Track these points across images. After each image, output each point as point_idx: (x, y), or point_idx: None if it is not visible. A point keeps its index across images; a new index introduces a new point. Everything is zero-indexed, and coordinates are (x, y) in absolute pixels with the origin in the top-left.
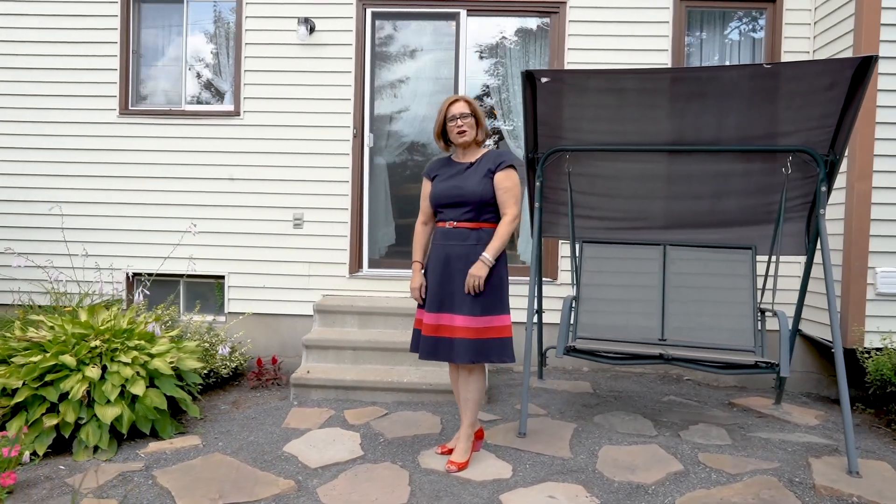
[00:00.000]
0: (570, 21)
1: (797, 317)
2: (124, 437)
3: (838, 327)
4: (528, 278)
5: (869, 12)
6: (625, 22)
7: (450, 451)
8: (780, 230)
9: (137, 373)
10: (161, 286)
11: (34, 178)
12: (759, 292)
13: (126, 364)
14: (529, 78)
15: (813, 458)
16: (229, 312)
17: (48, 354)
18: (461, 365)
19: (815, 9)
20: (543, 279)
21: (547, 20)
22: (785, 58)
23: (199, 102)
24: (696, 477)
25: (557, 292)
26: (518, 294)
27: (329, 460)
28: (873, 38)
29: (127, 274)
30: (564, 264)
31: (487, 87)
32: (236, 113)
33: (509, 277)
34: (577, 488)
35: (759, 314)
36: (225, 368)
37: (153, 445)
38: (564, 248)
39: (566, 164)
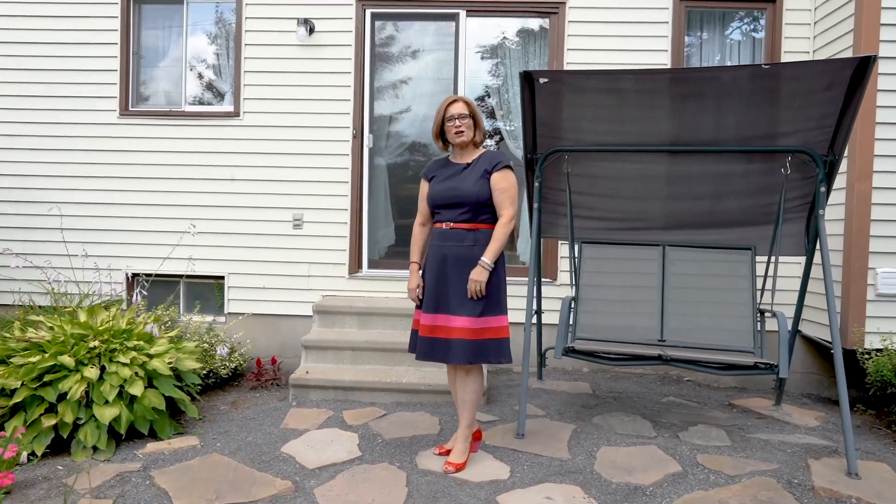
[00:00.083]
0: (569, 21)
1: (797, 318)
2: (122, 437)
3: (837, 328)
4: (527, 279)
5: (869, 12)
6: (624, 22)
7: (448, 452)
8: (779, 231)
9: (136, 373)
10: (161, 287)
11: (34, 178)
12: (758, 293)
13: (125, 364)
14: (528, 78)
15: (812, 460)
16: (229, 313)
17: (47, 355)
18: (458, 366)
19: (815, 9)
20: (543, 280)
21: (546, 20)
22: (785, 58)
23: (199, 103)
24: (695, 478)
25: (557, 293)
26: (518, 294)
27: (327, 461)
28: (873, 38)
29: (126, 274)
30: (564, 265)
31: (487, 87)
32: (236, 114)
33: (509, 278)
34: (574, 489)
35: (758, 315)
36: (224, 369)
37: (151, 446)
38: (564, 249)
39: (565, 165)
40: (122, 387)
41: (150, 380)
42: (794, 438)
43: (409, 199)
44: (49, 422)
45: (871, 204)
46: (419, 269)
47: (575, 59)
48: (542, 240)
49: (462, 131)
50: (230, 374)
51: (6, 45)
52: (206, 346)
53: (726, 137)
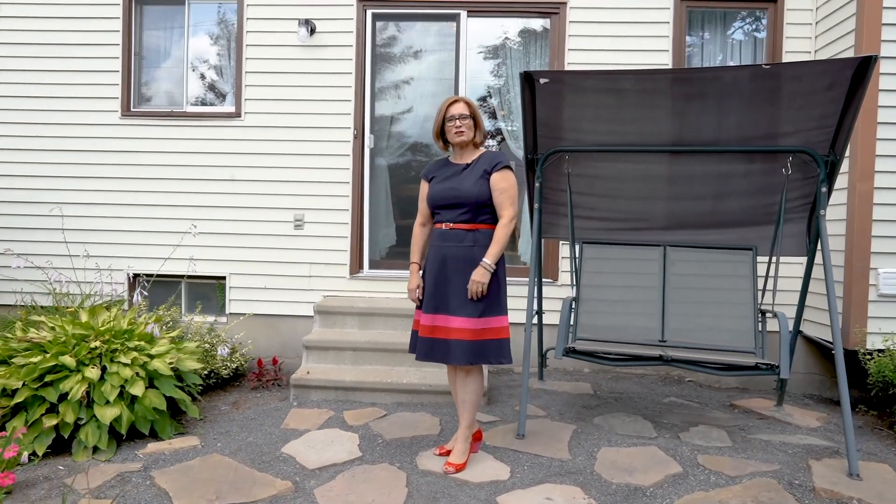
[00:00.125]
0: (570, 22)
1: (798, 318)
2: (123, 437)
3: (839, 328)
4: (528, 279)
5: (870, 12)
6: (625, 22)
7: (448, 453)
8: (780, 231)
9: (137, 373)
10: (163, 287)
11: (36, 178)
12: (759, 293)
13: (125, 365)
14: (528, 79)
15: (813, 461)
16: (231, 313)
17: (48, 355)
18: (458, 366)
19: (817, 9)
20: (544, 280)
21: (547, 21)
22: (786, 58)
23: (200, 104)
24: (695, 479)
25: (558, 293)
26: (519, 295)
27: (327, 461)
28: (874, 38)
29: (128, 275)
30: (565, 265)
31: (488, 87)
32: (237, 114)
33: (510, 278)
34: (574, 490)
35: (759, 315)
36: (225, 369)
37: (152, 446)
38: (565, 249)
39: (566, 165)
40: (123, 387)
41: (151, 380)
42: (795, 439)
43: (410, 199)
44: (50, 422)
45: (873, 204)
46: (419, 269)
47: (576, 59)
48: (542, 240)
49: (462, 131)
50: (231, 374)
51: (7, 47)
52: (207, 346)
53: (727, 137)
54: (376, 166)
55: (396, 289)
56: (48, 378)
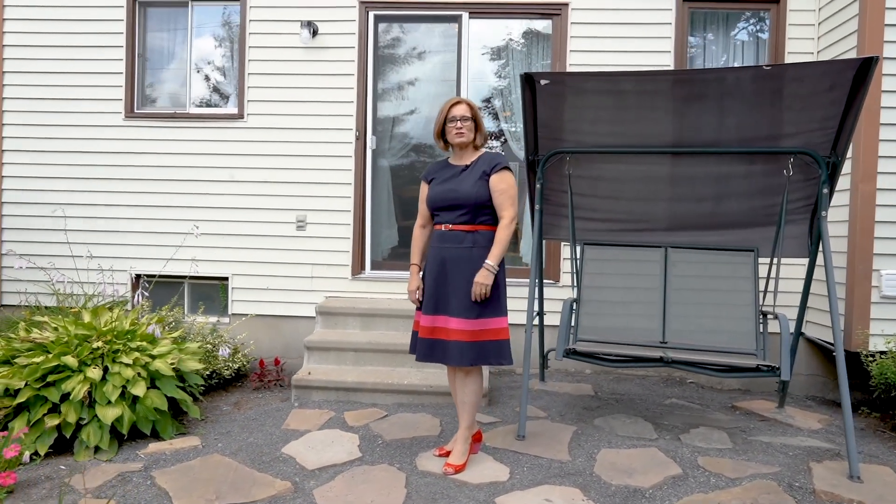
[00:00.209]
0: (572, 23)
1: (800, 320)
2: (125, 437)
3: (840, 330)
4: (529, 280)
5: (873, 12)
6: (627, 24)
7: (448, 454)
8: (781, 232)
9: (139, 374)
10: (167, 288)
11: (40, 180)
12: (761, 295)
13: (127, 365)
14: (529, 80)
15: (814, 463)
16: (233, 314)
17: (51, 355)
18: (458, 367)
19: (819, 9)
20: (546, 281)
21: (549, 22)
22: (789, 59)
23: (204, 105)
24: (695, 481)
25: (560, 294)
26: (520, 296)
27: (327, 462)
28: (877, 39)
29: (131, 275)
30: (567, 266)
31: (491, 88)
32: (240, 116)
33: (513, 279)
34: (573, 491)
35: (761, 317)
36: (227, 370)
37: (153, 446)
38: (567, 250)
39: (567, 167)
40: (124, 387)
41: (153, 380)
42: (796, 441)
43: (412, 200)
44: (52, 422)
45: (876, 205)
46: (419, 271)
47: (578, 60)
48: (544, 241)
49: (462, 133)
50: (233, 374)
51: (13, 49)
52: (209, 346)
53: (728, 139)
54: (378, 167)
55: (398, 290)
56: (50, 378)
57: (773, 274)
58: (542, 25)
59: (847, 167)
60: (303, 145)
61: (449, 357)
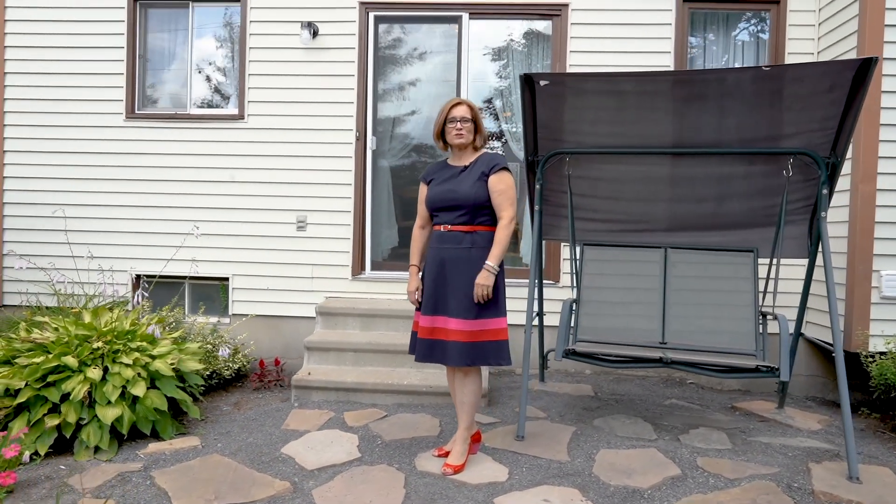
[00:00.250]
0: (572, 24)
1: (799, 320)
2: (125, 437)
3: (839, 330)
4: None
5: (873, 13)
6: (627, 24)
7: (447, 454)
8: (781, 233)
9: (139, 374)
10: (167, 288)
11: (41, 180)
12: (760, 295)
13: (127, 365)
14: (528, 81)
15: (813, 464)
16: (234, 314)
17: (51, 356)
18: (457, 368)
19: (819, 10)
20: (546, 281)
21: (549, 23)
22: (789, 59)
23: (205, 106)
24: (694, 482)
25: (560, 294)
26: (520, 296)
27: (326, 462)
28: (877, 39)
29: (131, 275)
30: (566, 266)
31: (491, 89)
32: (240, 116)
33: (512, 279)
34: (572, 492)
35: (760, 317)
36: (227, 370)
37: (153, 446)
38: (567, 251)
39: (566, 167)
40: (124, 387)
41: (153, 381)
42: (795, 442)
43: (412, 201)
44: (52, 422)
45: (876, 206)
46: (418, 271)
47: (578, 60)
48: (543, 242)
49: (462, 134)
50: (233, 374)
51: (14, 50)
52: (209, 347)
53: (728, 139)
54: (379, 168)
55: (398, 290)
56: (51, 378)
57: (772, 274)
58: (543, 26)
59: (847, 168)
60: (303, 146)
61: (448, 357)
